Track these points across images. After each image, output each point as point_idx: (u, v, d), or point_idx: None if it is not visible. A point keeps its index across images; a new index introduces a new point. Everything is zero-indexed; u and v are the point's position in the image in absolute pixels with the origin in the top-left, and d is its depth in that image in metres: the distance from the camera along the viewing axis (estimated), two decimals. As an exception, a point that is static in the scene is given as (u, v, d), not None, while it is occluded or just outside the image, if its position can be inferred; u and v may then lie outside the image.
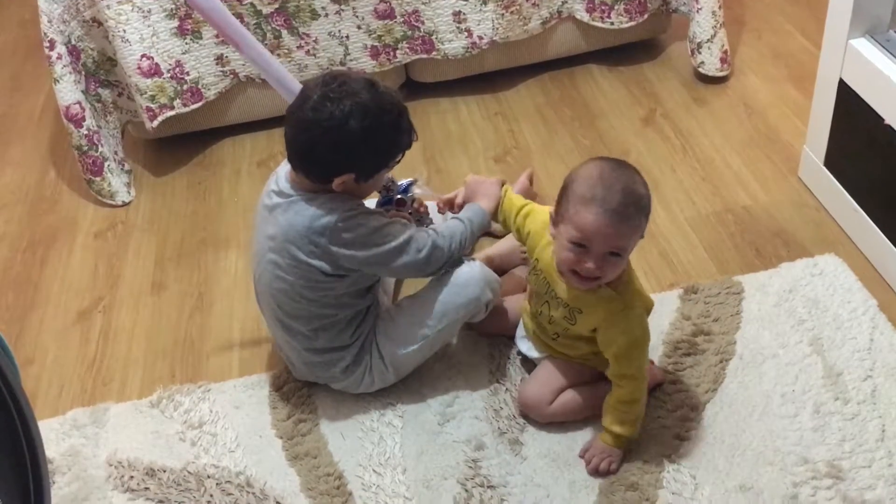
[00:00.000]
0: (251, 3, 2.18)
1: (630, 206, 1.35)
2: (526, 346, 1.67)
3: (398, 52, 2.34)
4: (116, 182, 2.26)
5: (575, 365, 1.59)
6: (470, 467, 1.54)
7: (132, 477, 1.58)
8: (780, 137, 2.23)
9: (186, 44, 2.21)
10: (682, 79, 2.48)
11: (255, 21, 2.20)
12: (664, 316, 1.76)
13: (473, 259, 1.67)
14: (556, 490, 1.50)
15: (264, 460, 1.59)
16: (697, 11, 2.33)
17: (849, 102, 1.82)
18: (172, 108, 2.25)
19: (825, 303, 1.75)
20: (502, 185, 1.68)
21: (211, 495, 1.54)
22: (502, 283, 1.70)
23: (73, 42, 2.15)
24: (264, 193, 1.58)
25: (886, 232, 1.79)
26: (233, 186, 2.30)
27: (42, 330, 1.94)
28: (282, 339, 1.63)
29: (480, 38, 2.34)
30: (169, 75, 2.21)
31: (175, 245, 2.13)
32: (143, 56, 2.16)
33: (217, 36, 2.21)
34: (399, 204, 1.80)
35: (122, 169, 2.30)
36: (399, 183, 1.84)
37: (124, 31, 2.11)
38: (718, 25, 2.34)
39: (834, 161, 1.94)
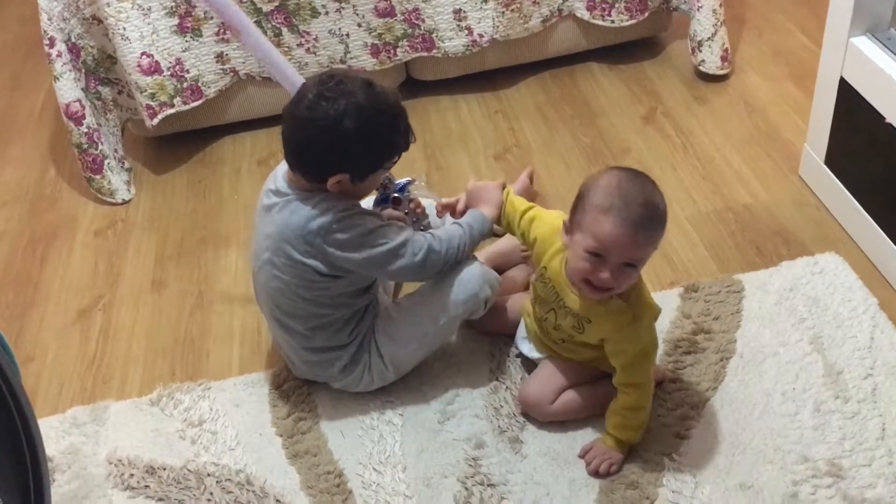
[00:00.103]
0: (251, 1, 2.17)
1: (649, 217, 1.34)
2: (527, 348, 1.66)
3: (398, 50, 2.34)
4: (116, 180, 2.26)
5: (577, 364, 1.59)
6: (470, 465, 1.54)
7: (132, 475, 1.58)
8: (780, 136, 2.23)
9: (186, 41, 2.21)
10: (683, 77, 2.48)
11: (255, 19, 2.19)
12: (665, 314, 1.73)
13: (473, 256, 1.66)
14: (557, 488, 1.50)
15: (264, 458, 1.59)
16: (698, 9, 2.33)
17: (849, 101, 1.82)
18: (172, 105, 2.25)
19: (826, 301, 1.75)
20: (503, 188, 1.67)
21: (211, 493, 1.54)
22: (501, 282, 1.70)
23: (73, 40, 2.15)
24: (263, 192, 1.58)
25: (887, 230, 1.79)
26: (233, 185, 2.30)
27: (42, 328, 1.94)
28: (280, 337, 1.63)
29: (481, 35, 2.34)
30: (169, 73, 2.21)
31: (175, 243, 2.13)
32: (143, 54, 2.15)
33: (217, 34, 2.21)
34: (395, 202, 1.79)
35: (122, 167, 2.30)
36: (396, 182, 1.83)
37: (124, 28, 2.11)
38: (719, 23, 2.34)
39: (834, 159, 1.94)
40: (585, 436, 1.57)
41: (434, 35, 2.33)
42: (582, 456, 1.53)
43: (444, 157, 2.30)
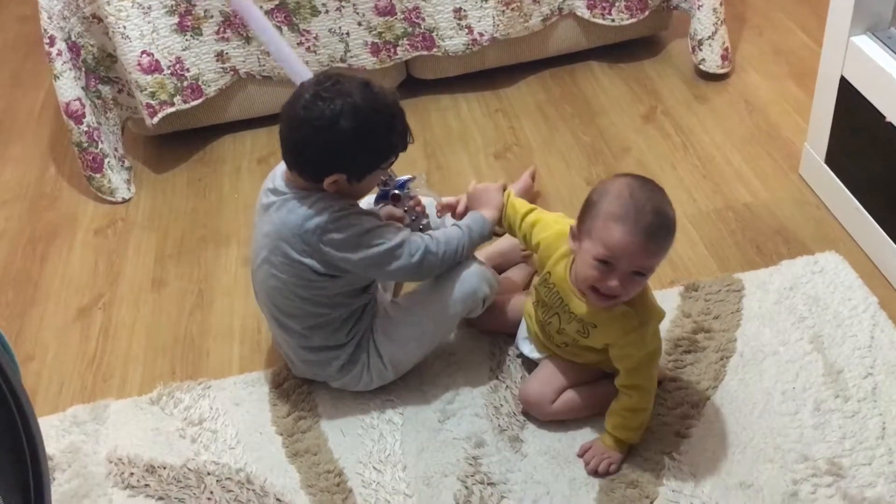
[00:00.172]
0: None
1: (660, 225, 1.33)
2: (528, 349, 1.66)
3: (399, 48, 2.34)
4: (116, 179, 2.26)
5: (578, 364, 1.58)
6: (470, 464, 1.54)
7: (132, 474, 1.58)
8: (780, 134, 2.23)
9: (186, 40, 2.21)
10: (683, 76, 2.48)
11: (255, 17, 2.20)
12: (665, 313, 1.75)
13: (472, 255, 1.66)
14: (557, 487, 1.50)
15: (264, 457, 1.59)
16: (698, 8, 2.33)
17: (850, 100, 1.82)
18: (172, 104, 2.25)
19: (826, 300, 1.75)
20: (504, 190, 1.67)
21: (211, 492, 1.54)
22: (501, 281, 1.70)
23: (73, 38, 2.15)
24: (262, 191, 1.58)
25: (887, 229, 1.79)
26: (233, 183, 2.30)
27: (42, 327, 1.94)
28: (279, 336, 1.63)
29: (481, 34, 2.34)
30: (169, 72, 2.21)
31: (175, 242, 2.13)
32: (143, 52, 2.15)
33: (217, 32, 2.21)
34: (395, 199, 1.79)
35: (122, 165, 2.30)
36: (396, 179, 1.83)
37: (124, 27, 2.11)
38: (719, 22, 2.34)
39: (835, 158, 1.94)
40: (585, 435, 1.57)
41: (434, 34, 2.33)
42: (581, 455, 1.53)
43: (444, 155, 2.30)
